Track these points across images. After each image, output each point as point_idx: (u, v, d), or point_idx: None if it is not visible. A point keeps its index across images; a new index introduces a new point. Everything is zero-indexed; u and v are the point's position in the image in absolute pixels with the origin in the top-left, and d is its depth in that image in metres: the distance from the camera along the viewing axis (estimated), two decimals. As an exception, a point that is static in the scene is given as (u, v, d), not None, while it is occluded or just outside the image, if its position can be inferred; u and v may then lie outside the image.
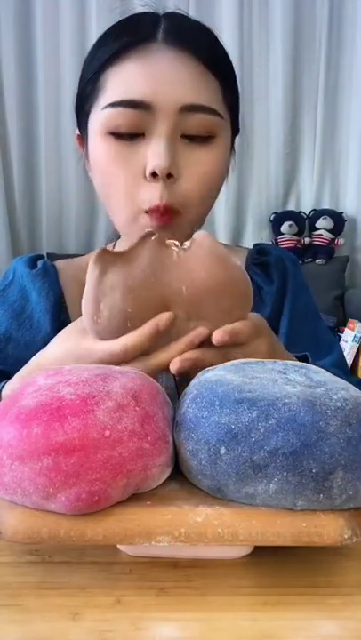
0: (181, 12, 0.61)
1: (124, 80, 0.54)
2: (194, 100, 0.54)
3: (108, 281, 0.42)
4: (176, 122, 0.54)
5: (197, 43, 0.55)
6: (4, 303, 0.67)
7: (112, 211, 0.60)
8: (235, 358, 0.42)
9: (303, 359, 0.55)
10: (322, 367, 0.55)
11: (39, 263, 0.68)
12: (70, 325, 0.49)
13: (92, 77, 0.57)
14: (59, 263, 0.70)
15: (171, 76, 0.54)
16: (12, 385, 0.50)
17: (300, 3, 2.37)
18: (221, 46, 0.60)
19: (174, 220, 0.56)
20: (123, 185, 0.56)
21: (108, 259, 0.42)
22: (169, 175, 0.54)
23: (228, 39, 2.33)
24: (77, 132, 0.64)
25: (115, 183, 0.57)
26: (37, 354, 0.50)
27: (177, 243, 0.43)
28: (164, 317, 0.42)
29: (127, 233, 0.61)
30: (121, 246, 0.70)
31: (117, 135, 0.55)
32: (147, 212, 0.56)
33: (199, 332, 0.43)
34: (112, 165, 0.56)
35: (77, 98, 0.61)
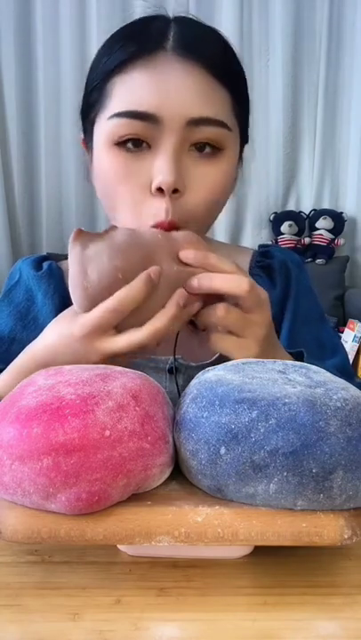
0: (192, 17, 0.59)
1: (130, 90, 0.53)
2: (201, 114, 0.53)
3: (91, 251, 0.44)
4: (183, 135, 0.53)
5: (207, 53, 0.54)
6: (10, 304, 0.67)
7: (116, 221, 0.59)
8: (232, 320, 0.47)
9: (299, 356, 0.55)
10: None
11: (45, 265, 0.68)
12: (59, 315, 0.50)
13: (98, 85, 0.56)
14: (64, 264, 0.70)
15: (178, 88, 0.52)
16: (1, 380, 0.51)
17: (301, 3, 2.37)
18: (232, 53, 0.58)
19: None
20: (128, 199, 0.55)
21: (87, 236, 0.45)
22: (175, 190, 0.53)
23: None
24: (82, 136, 0.63)
25: (120, 196, 0.56)
26: (29, 345, 0.51)
27: None
28: (153, 268, 0.45)
29: None
30: None
31: (123, 147, 0.54)
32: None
33: (180, 292, 0.46)
34: (117, 178, 0.55)
35: (83, 103, 0.60)
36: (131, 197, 0.55)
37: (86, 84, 0.59)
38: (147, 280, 0.44)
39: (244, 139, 0.62)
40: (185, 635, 0.31)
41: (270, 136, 2.46)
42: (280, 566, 0.36)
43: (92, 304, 0.44)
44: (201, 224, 0.57)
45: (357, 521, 0.32)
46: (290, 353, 0.55)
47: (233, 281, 0.47)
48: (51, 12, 2.26)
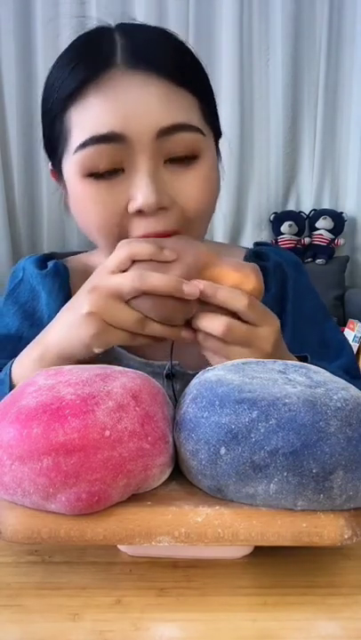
0: (134, 22, 0.55)
1: (88, 117, 0.50)
2: (171, 121, 0.49)
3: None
4: (156, 149, 0.49)
5: (161, 60, 0.51)
6: (16, 303, 0.66)
7: (99, 247, 0.58)
8: (240, 337, 0.44)
9: (303, 359, 0.54)
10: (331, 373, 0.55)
11: (50, 263, 0.66)
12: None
13: (56, 117, 0.53)
14: (69, 262, 0.68)
15: (139, 101, 0.49)
16: (19, 362, 0.52)
17: (301, 3, 2.37)
18: (187, 50, 0.55)
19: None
20: (106, 225, 0.52)
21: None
22: (160, 208, 0.50)
23: (228, 39, 2.34)
24: (50, 166, 0.60)
25: (97, 225, 0.53)
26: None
27: None
28: (194, 285, 0.44)
29: None
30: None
31: (96, 175, 0.50)
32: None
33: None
34: (94, 207, 0.52)
35: (44, 136, 0.57)
36: (108, 223, 0.52)
37: (42, 112, 0.55)
38: (178, 285, 0.44)
39: (217, 134, 0.58)
40: (185, 635, 0.31)
41: (270, 136, 2.46)
42: (280, 566, 0.36)
43: None
44: (198, 228, 0.55)
45: (357, 521, 0.32)
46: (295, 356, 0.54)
47: (232, 297, 0.45)
48: (51, 12, 2.26)
